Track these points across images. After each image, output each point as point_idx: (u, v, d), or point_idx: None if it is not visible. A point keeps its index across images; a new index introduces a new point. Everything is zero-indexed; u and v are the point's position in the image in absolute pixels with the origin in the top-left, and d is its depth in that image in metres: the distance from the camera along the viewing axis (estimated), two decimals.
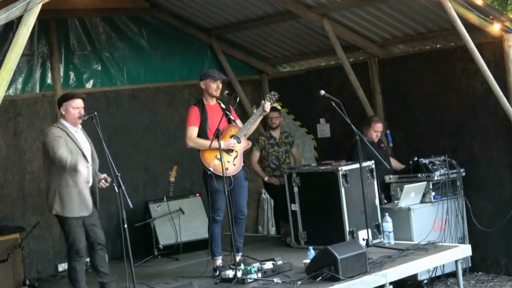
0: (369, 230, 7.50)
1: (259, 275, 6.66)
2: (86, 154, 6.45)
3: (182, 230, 8.79)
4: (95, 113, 6.34)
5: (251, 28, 9.76)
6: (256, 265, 6.86)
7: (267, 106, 7.17)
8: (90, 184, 6.50)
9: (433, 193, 8.10)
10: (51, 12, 7.99)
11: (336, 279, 6.24)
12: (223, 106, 7.22)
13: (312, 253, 6.92)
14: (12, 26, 7.37)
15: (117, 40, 9.45)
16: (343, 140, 9.16)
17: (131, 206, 5.94)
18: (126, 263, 5.99)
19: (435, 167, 8.15)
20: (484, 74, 7.64)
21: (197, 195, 9.24)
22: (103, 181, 6.59)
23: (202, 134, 7.04)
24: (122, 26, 9.51)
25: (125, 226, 5.90)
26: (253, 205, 10.66)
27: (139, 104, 9.57)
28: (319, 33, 9.31)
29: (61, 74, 8.94)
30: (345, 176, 7.61)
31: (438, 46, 8.90)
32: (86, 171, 6.34)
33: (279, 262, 6.91)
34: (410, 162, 8.29)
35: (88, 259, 6.85)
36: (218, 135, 6.84)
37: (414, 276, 7.57)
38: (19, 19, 5.62)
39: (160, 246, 8.70)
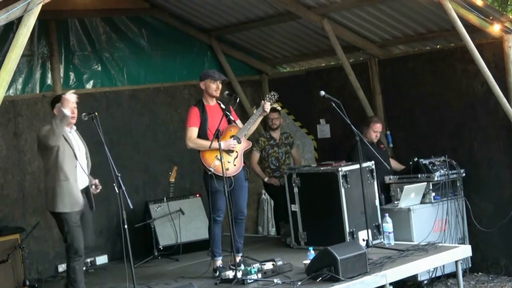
0: (369, 231, 7.50)
1: (259, 275, 6.66)
2: (77, 153, 6.49)
3: (182, 230, 8.79)
4: (96, 113, 6.34)
5: (251, 29, 9.77)
6: (256, 265, 6.86)
7: (267, 106, 7.17)
8: (80, 185, 6.52)
9: (433, 194, 8.10)
10: (51, 12, 7.98)
11: (336, 280, 6.24)
12: (223, 106, 7.22)
13: (312, 253, 6.92)
14: (12, 26, 7.37)
15: (117, 40, 9.45)
16: (343, 141, 9.16)
17: (131, 206, 5.94)
18: (126, 263, 5.99)
19: (435, 167, 8.16)
20: (484, 74, 7.64)
21: (197, 195, 9.24)
22: (93, 187, 6.65)
23: (202, 134, 7.04)
24: (122, 26, 9.52)
25: (125, 226, 5.90)
26: (253, 206, 10.67)
27: (139, 104, 9.57)
28: (319, 34, 9.31)
29: (61, 74, 8.94)
30: (345, 176, 7.61)
31: (438, 46, 8.90)
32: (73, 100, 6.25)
33: (279, 263, 6.91)
34: (410, 163, 8.29)
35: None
36: (218, 136, 6.84)
37: (414, 277, 7.58)
38: (19, 19, 5.62)
39: (160, 246, 8.70)
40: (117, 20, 9.46)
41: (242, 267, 6.88)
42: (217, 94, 7.13)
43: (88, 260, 8.78)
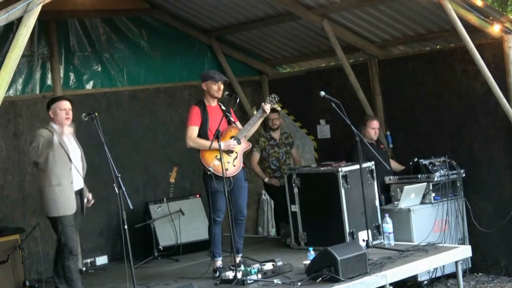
0: (369, 231, 7.50)
1: (259, 276, 6.66)
2: (71, 156, 6.53)
3: (182, 231, 8.78)
4: (96, 114, 6.35)
5: (251, 29, 9.77)
6: (256, 266, 6.86)
7: (267, 108, 7.18)
8: (76, 187, 6.56)
9: (433, 194, 8.10)
10: (51, 13, 7.98)
11: (336, 280, 6.23)
12: (223, 108, 7.22)
13: (312, 254, 6.92)
14: (12, 27, 7.38)
15: (117, 41, 9.45)
16: (343, 141, 9.16)
17: (131, 207, 5.94)
18: (126, 264, 5.99)
19: (435, 168, 8.16)
20: (484, 75, 7.64)
21: (197, 196, 9.24)
22: (86, 199, 6.73)
23: (202, 134, 7.04)
24: (122, 27, 9.52)
25: (125, 227, 5.90)
26: (253, 206, 10.67)
27: (139, 105, 9.57)
28: (319, 34, 9.31)
29: (61, 75, 8.93)
30: (345, 177, 7.61)
31: (438, 47, 8.90)
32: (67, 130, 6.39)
33: (279, 263, 6.91)
34: (410, 163, 8.29)
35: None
36: (218, 136, 6.84)
37: (414, 277, 7.58)
38: (19, 20, 5.62)
39: (160, 247, 8.70)
40: (117, 20, 9.46)
41: (242, 267, 6.88)
42: (219, 95, 7.14)
43: (88, 260, 8.79)
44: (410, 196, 7.98)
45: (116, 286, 7.34)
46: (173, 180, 8.82)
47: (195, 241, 8.78)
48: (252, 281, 6.57)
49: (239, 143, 7.10)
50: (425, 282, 7.87)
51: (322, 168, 7.95)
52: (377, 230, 7.78)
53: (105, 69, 9.33)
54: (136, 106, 9.54)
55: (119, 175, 6.01)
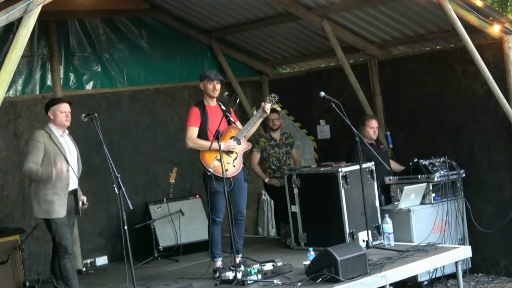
0: (369, 232, 7.50)
1: (259, 276, 6.66)
2: (68, 158, 6.54)
3: (182, 231, 8.78)
4: (95, 114, 6.35)
5: (251, 30, 9.77)
6: (256, 266, 6.86)
7: (267, 107, 7.17)
8: (70, 188, 6.59)
9: (433, 195, 8.10)
10: (51, 13, 7.98)
11: (336, 281, 6.23)
12: (223, 108, 7.22)
13: (312, 254, 6.91)
14: (12, 27, 7.38)
15: (117, 41, 9.45)
16: (343, 142, 9.16)
17: (131, 207, 5.94)
18: (126, 264, 5.98)
19: (435, 168, 8.16)
20: (484, 75, 7.63)
21: (197, 196, 9.24)
22: (80, 203, 6.76)
23: (202, 135, 7.04)
24: (122, 27, 9.52)
25: (125, 227, 5.89)
26: (253, 207, 10.66)
27: (139, 105, 9.57)
28: (319, 35, 9.31)
29: (61, 75, 8.94)
30: (345, 177, 7.61)
31: (438, 47, 8.90)
32: (64, 167, 6.42)
33: (279, 264, 6.91)
34: (410, 164, 8.29)
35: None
36: (218, 137, 6.84)
37: (414, 278, 7.58)
38: (19, 20, 5.62)
39: (160, 247, 8.70)
40: (117, 21, 9.46)
41: (242, 268, 6.88)
42: (214, 94, 7.13)
43: (88, 261, 8.80)
44: (410, 197, 7.98)
45: (116, 287, 7.34)
46: (173, 181, 8.82)
47: (195, 242, 8.78)
48: (252, 281, 6.56)
49: (239, 143, 7.10)
50: (425, 283, 7.87)
51: (322, 169, 7.95)
52: (377, 231, 7.78)
53: (105, 69, 9.33)
54: (136, 106, 9.54)
55: (119, 175, 6.01)
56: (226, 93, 7.57)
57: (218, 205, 7.02)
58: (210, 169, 6.92)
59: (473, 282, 8.17)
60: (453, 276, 7.76)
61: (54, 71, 8.83)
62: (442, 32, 8.45)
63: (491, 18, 7.63)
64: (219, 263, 7.15)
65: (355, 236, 7.57)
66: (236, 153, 7.10)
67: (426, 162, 8.22)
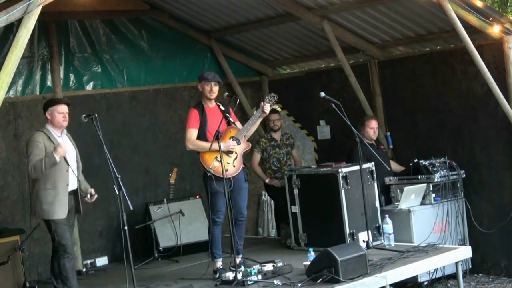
0: (369, 232, 7.50)
1: (259, 277, 6.66)
2: (66, 158, 6.54)
3: (182, 232, 8.78)
4: (95, 114, 6.35)
5: (251, 30, 9.77)
6: (256, 267, 6.86)
7: (267, 107, 7.18)
8: (70, 188, 6.60)
9: (433, 195, 8.10)
10: (51, 14, 7.99)
11: (336, 281, 6.23)
12: (222, 108, 7.22)
13: (312, 255, 6.91)
14: (12, 28, 7.38)
15: (117, 42, 9.45)
16: (343, 142, 9.15)
17: (131, 208, 5.94)
18: (126, 265, 5.99)
19: (435, 169, 8.15)
20: (484, 76, 7.63)
21: (197, 197, 9.24)
22: (88, 195, 6.75)
23: (201, 136, 7.04)
24: (122, 28, 9.52)
25: (125, 228, 5.90)
26: (253, 207, 10.66)
27: (139, 106, 9.57)
28: (319, 35, 9.31)
29: (61, 76, 8.94)
30: (345, 178, 7.61)
31: (438, 48, 8.90)
32: (62, 147, 6.41)
33: (279, 264, 6.92)
34: (410, 164, 8.29)
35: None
36: (218, 137, 6.84)
37: (415, 278, 7.58)
38: (19, 21, 5.62)
39: (160, 248, 8.70)
40: (117, 21, 9.46)
41: (242, 268, 6.88)
42: (212, 96, 7.12)
43: (88, 261, 8.80)
44: (410, 197, 7.98)
45: (116, 287, 7.34)
46: (173, 181, 8.82)
47: (195, 242, 8.77)
48: (252, 282, 6.56)
49: (238, 143, 7.10)
50: (425, 283, 7.86)
51: (322, 169, 7.95)
52: (377, 231, 7.77)
53: (105, 70, 9.33)
54: (136, 107, 9.54)
55: (119, 176, 6.01)
56: (226, 93, 7.58)
57: (218, 206, 7.02)
58: (210, 170, 6.92)
59: (473, 282, 8.17)
60: (453, 276, 7.75)
61: (54, 72, 8.83)
62: (442, 32, 8.45)
63: (491, 19, 7.63)
64: (219, 263, 7.15)
65: (355, 237, 7.57)
66: (236, 153, 7.10)
67: (426, 163, 8.22)
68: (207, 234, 7.24)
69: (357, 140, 7.51)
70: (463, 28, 7.46)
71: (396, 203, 8.19)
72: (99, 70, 9.29)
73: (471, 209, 8.22)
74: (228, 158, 7.03)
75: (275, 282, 6.50)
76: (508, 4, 16.15)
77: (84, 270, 8.57)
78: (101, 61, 9.30)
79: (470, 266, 8.30)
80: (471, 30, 7.64)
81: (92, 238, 8.96)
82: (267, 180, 9.00)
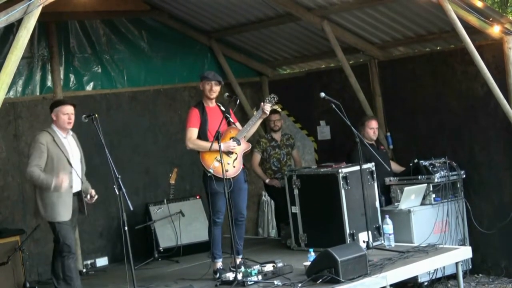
0: (370, 232, 7.50)
1: (260, 277, 6.66)
2: (70, 159, 6.56)
3: (182, 232, 8.78)
4: (96, 115, 6.35)
5: (252, 31, 9.77)
6: (257, 267, 6.87)
7: (267, 108, 7.18)
8: (74, 190, 6.60)
9: (434, 195, 8.10)
10: (51, 14, 7.98)
11: (337, 281, 6.23)
12: (222, 108, 7.23)
13: (312, 255, 6.91)
14: (12, 28, 7.37)
15: (117, 42, 9.45)
16: (344, 142, 9.15)
17: (131, 208, 5.95)
18: (126, 265, 5.99)
19: (436, 169, 8.15)
20: (484, 76, 7.64)
21: (198, 197, 9.24)
22: (88, 196, 6.76)
23: (202, 135, 7.05)
24: (123, 28, 9.52)
25: (126, 228, 5.91)
26: (253, 208, 10.66)
27: (140, 106, 9.57)
28: (319, 35, 9.31)
29: (61, 76, 8.94)
30: (345, 178, 7.61)
31: (438, 48, 8.90)
32: (67, 179, 6.42)
33: (280, 265, 6.92)
34: (410, 164, 8.29)
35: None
36: (218, 138, 6.84)
37: (415, 278, 7.58)
38: (19, 21, 5.62)
39: (161, 248, 8.70)
40: (117, 22, 9.47)
41: (242, 269, 6.87)
42: (212, 95, 7.12)
43: (89, 262, 8.80)
44: (410, 197, 7.98)
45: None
46: (173, 182, 8.82)
47: (195, 243, 8.77)
48: (252, 282, 6.57)
49: (238, 144, 7.10)
50: (426, 283, 7.86)
51: (322, 170, 7.95)
52: (378, 231, 7.77)
53: (105, 70, 9.33)
54: (136, 107, 9.55)
55: (119, 176, 6.01)
56: (227, 94, 7.58)
57: (218, 206, 7.02)
58: (210, 170, 6.92)
59: (473, 283, 8.16)
60: (454, 277, 7.75)
61: (54, 72, 8.83)
62: (442, 32, 8.45)
63: (491, 19, 7.63)
64: (219, 264, 7.15)
65: (355, 237, 7.57)
66: (236, 153, 7.10)
67: (426, 163, 8.22)
68: (207, 234, 7.24)
69: (357, 141, 7.51)
70: (463, 28, 7.47)
71: (396, 204, 8.19)
72: (99, 70, 9.29)
73: (471, 209, 8.22)
74: (228, 159, 7.03)
75: (275, 282, 6.50)
76: (508, 4, 16.15)
77: (84, 270, 8.57)
78: (101, 61, 9.30)
79: (470, 267, 8.30)
80: (471, 30, 7.64)
81: (92, 239, 8.96)
82: (267, 181, 9.00)
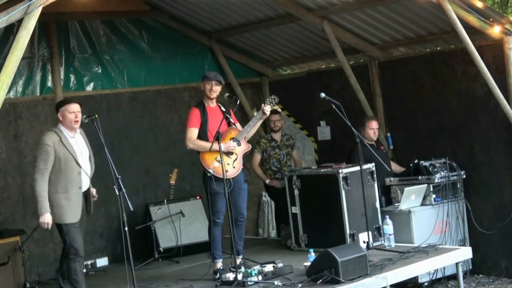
0: (370, 233, 7.51)
1: (260, 277, 6.66)
2: (78, 159, 6.52)
3: (182, 232, 8.79)
4: (96, 115, 6.35)
5: (252, 31, 9.77)
6: (257, 267, 6.87)
7: (267, 109, 7.18)
8: (83, 189, 6.56)
9: (434, 196, 8.10)
10: (52, 15, 7.99)
11: (337, 282, 6.23)
12: (223, 109, 7.23)
13: (312, 255, 6.91)
14: (13, 29, 7.37)
15: (117, 43, 9.45)
16: (344, 143, 9.15)
17: (132, 208, 5.95)
18: (126, 266, 5.99)
19: (436, 169, 8.15)
20: (485, 76, 7.64)
21: (198, 197, 9.24)
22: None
23: (202, 135, 7.05)
24: (123, 29, 9.52)
25: (126, 228, 5.91)
26: (254, 208, 10.66)
27: (140, 107, 9.57)
28: (320, 36, 9.31)
29: (62, 77, 8.94)
30: (345, 178, 7.61)
31: (438, 48, 8.90)
32: (50, 224, 6.44)
33: (280, 265, 6.92)
34: (411, 165, 8.29)
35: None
36: (218, 138, 6.84)
37: (415, 279, 7.58)
38: (19, 22, 5.62)
39: (161, 249, 8.70)
40: (118, 22, 9.47)
41: (243, 269, 6.88)
42: (212, 95, 7.12)
43: (89, 262, 8.78)
44: (410, 198, 7.98)
45: None
46: (174, 182, 8.82)
47: (195, 243, 8.78)
48: (252, 282, 6.57)
49: (239, 144, 7.10)
50: (426, 284, 7.86)
51: (322, 170, 7.95)
52: (378, 232, 7.77)
53: (106, 70, 9.34)
54: (137, 107, 9.55)
55: (120, 177, 6.01)
56: (227, 94, 7.58)
57: (218, 206, 7.02)
58: (210, 170, 6.92)
59: (473, 283, 8.16)
60: (454, 277, 7.75)
61: (54, 73, 8.84)
62: (442, 33, 8.45)
63: (491, 19, 7.63)
64: (219, 264, 7.15)
65: (355, 237, 7.57)
66: (236, 154, 7.10)
67: (426, 163, 8.22)
68: (207, 234, 7.24)
69: (357, 141, 7.51)
70: (463, 28, 7.47)
71: (396, 204, 8.19)
72: (100, 70, 9.29)
73: (471, 210, 8.22)
74: (228, 159, 7.03)
75: (276, 282, 6.50)
76: (508, 4, 16.15)
77: (84, 271, 8.55)
78: (102, 61, 9.30)
79: (471, 267, 8.30)
80: (471, 30, 7.64)
81: (93, 239, 8.96)
82: (267, 181, 9.00)
